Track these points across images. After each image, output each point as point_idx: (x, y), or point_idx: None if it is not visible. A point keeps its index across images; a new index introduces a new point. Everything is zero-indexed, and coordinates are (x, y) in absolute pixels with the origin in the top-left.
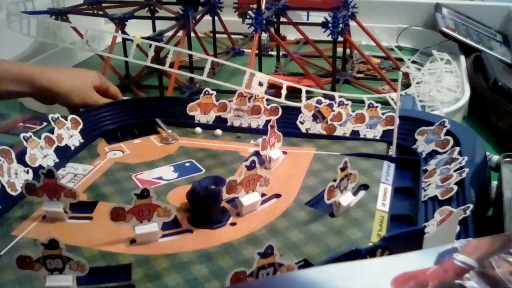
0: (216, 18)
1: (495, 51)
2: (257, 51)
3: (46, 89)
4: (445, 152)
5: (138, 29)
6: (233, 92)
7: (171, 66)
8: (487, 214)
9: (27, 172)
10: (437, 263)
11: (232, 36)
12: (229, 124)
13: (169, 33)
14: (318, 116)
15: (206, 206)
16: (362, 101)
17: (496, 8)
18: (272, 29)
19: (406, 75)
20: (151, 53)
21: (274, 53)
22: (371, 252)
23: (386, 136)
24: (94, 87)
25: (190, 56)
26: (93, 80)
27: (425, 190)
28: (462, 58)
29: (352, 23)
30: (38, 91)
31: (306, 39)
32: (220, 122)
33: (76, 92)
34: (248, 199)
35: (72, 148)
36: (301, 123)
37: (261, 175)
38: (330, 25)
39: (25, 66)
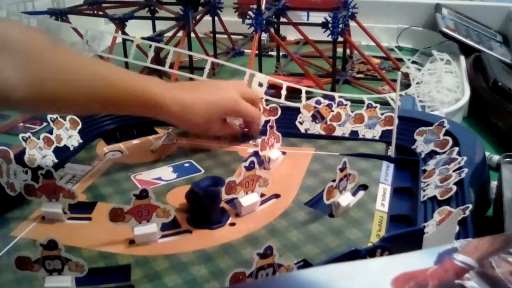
0: (216, 18)
1: (495, 51)
2: (257, 52)
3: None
4: (444, 152)
5: (138, 29)
6: None
7: (171, 66)
8: (486, 214)
9: (26, 172)
10: (437, 263)
11: (232, 36)
12: None
13: (169, 34)
14: (317, 116)
15: (205, 206)
16: (362, 102)
17: (496, 8)
18: (272, 30)
19: (406, 75)
20: (151, 54)
21: (274, 53)
22: (370, 253)
23: (385, 136)
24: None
25: (190, 56)
26: (229, 103)
27: (424, 190)
28: (462, 58)
29: (352, 23)
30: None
31: (306, 40)
32: None
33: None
34: (247, 199)
35: (71, 148)
36: (300, 123)
37: (260, 176)
38: (330, 25)
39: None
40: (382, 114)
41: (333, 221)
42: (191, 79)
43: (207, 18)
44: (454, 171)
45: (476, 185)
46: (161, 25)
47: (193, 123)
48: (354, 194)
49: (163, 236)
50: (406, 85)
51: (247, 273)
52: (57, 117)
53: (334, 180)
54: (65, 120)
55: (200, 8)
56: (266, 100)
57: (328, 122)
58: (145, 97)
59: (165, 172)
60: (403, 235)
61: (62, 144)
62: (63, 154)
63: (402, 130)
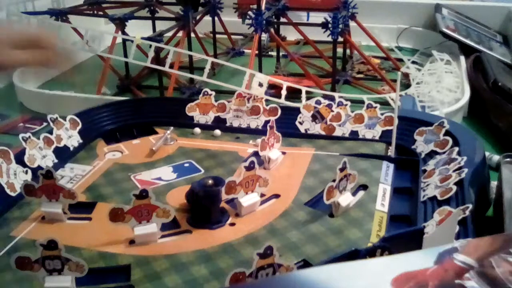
0: (216, 18)
1: (495, 51)
2: (257, 52)
3: None
4: (444, 152)
5: (138, 29)
6: (233, 92)
7: (171, 66)
8: (486, 214)
9: (26, 172)
10: (437, 263)
11: (232, 36)
12: (228, 124)
13: (169, 34)
14: (317, 116)
15: (205, 206)
16: (362, 102)
17: (496, 8)
18: (272, 30)
19: (406, 75)
20: (151, 54)
21: (274, 53)
22: (370, 253)
23: (385, 137)
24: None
25: (190, 56)
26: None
27: (424, 190)
28: (462, 58)
29: (352, 24)
30: None
31: (306, 40)
32: (219, 123)
33: None
34: (247, 199)
35: (71, 148)
36: (300, 123)
37: (260, 176)
38: (330, 25)
39: None
40: (382, 114)
41: (333, 221)
42: (191, 79)
43: (207, 18)
44: (454, 171)
45: (476, 185)
46: (161, 25)
47: None
48: (354, 194)
49: (163, 236)
50: (406, 85)
51: (247, 273)
52: (57, 117)
53: (334, 180)
54: (65, 120)
55: (200, 8)
56: (266, 100)
57: (328, 122)
58: None
59: (165, 172)
60: (403, 235)
61: (62, 144)
62: (63, 154)
63: (402, 130)
